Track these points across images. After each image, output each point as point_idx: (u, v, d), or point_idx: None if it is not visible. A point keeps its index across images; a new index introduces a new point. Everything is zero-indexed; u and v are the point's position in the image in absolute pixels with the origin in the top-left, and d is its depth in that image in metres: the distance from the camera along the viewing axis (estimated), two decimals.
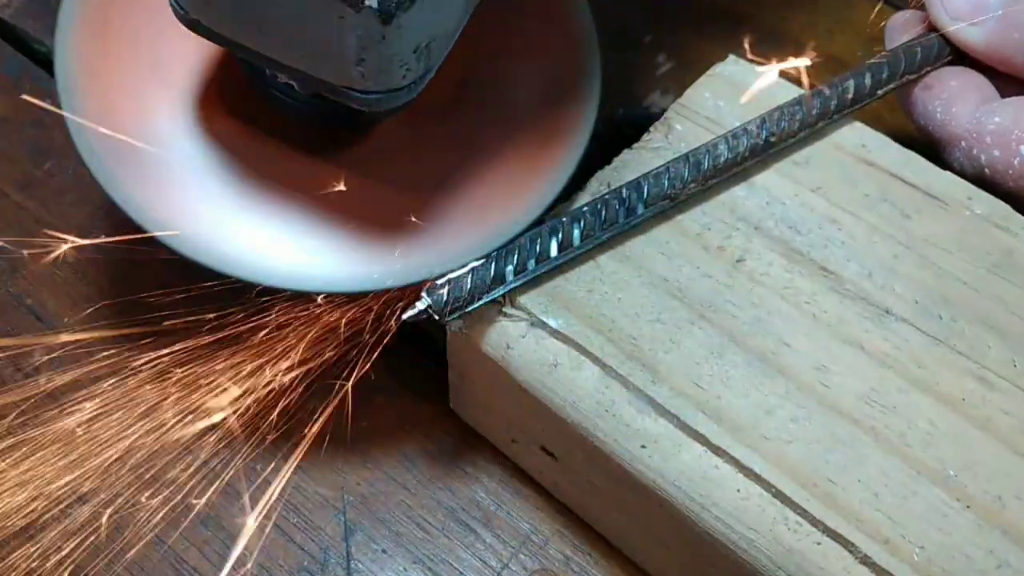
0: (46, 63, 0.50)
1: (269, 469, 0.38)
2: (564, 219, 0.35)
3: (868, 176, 0.38)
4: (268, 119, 0.38)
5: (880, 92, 0.39)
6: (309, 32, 0.31)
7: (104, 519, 0.36)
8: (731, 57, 0.41)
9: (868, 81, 0.39)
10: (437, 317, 0.34)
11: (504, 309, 0.35)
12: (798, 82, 0.40)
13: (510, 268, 0.34)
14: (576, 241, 0.35)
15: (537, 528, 0.38)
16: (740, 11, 0.53)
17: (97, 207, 0.45)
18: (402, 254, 0.36)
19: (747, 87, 0.40)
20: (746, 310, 0.34)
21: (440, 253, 0.35)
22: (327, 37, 0.31)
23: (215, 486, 0.37)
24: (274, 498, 0.37)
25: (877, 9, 0.53)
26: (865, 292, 0.35)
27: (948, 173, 0.38)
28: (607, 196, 0.35)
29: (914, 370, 0.33)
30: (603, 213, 0.35)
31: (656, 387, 0.33)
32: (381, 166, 0.38)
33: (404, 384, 0.40)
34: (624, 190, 0.35)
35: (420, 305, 0.34)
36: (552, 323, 0.34)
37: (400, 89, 0.33)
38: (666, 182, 0.36)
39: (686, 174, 0.36)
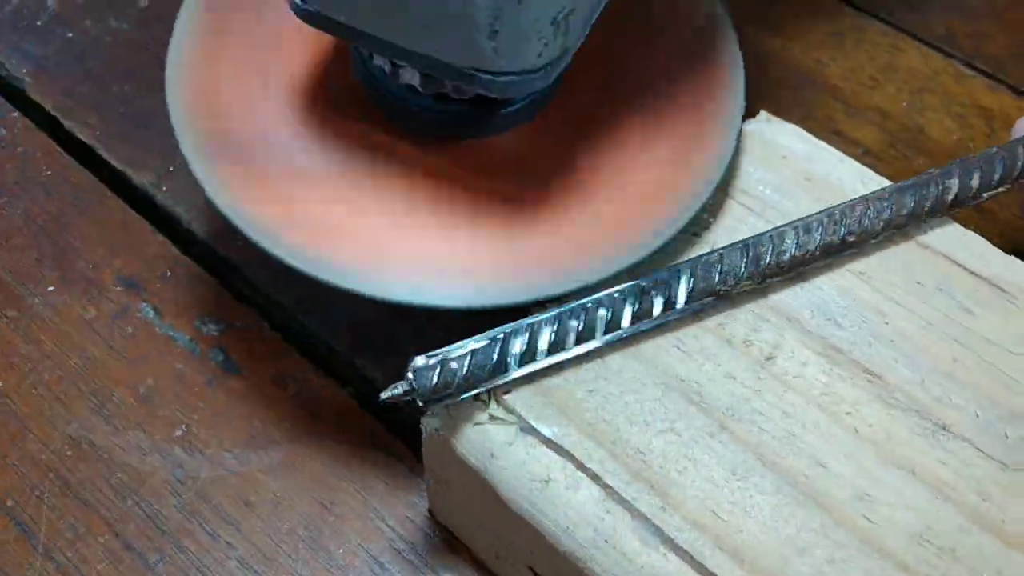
0: (5, 88, 0.45)
1: (208, 569, 0.33)
2: (587, 303, 0.30)
3: (923, 260, 0.32)
4: (385, 129, 0.36)
5: (986, 195, 0.33)
6: (436, 4, 0.28)
7: None
8: (763, 114, 0.36)
9: (976, 181, 0.33)
10: (421, 403, 0.28)
11: (490, 410, 0.29)
12: (846, 142, 0.35)
13: (515, 354, 0.29)
14: (598, 333, 0.29)
15: None
16: (767, 50, 0.48)
17: (45, 253, 0.40)
18: (525, 270, 0.32)
19: (782, 151, 0.35)
20: (776, 421, 0.29)
21: (581, 265, 0.32)
22: (456, 8, 0.28)
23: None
24: None
25: (924, 54, 0.48)
26: (918, 403, 0.29)
27: (1019, 261, 0.32)
28: (643, 283, 0.30)
29: (977, 503, 0.28)
30: (637, 302, 0.30)
31: (667, 515, 0.27)
32: (509, 175, 0.35)
33: (376, 470, 0.35)
34: (666, 277, 0.30)
35: (402, 386, 0.28)
36: (545, 430, 0.29)
37: (536, 71, 0.30)
38: (716, 275, 0.30)
39: (742, 269, 0.30)
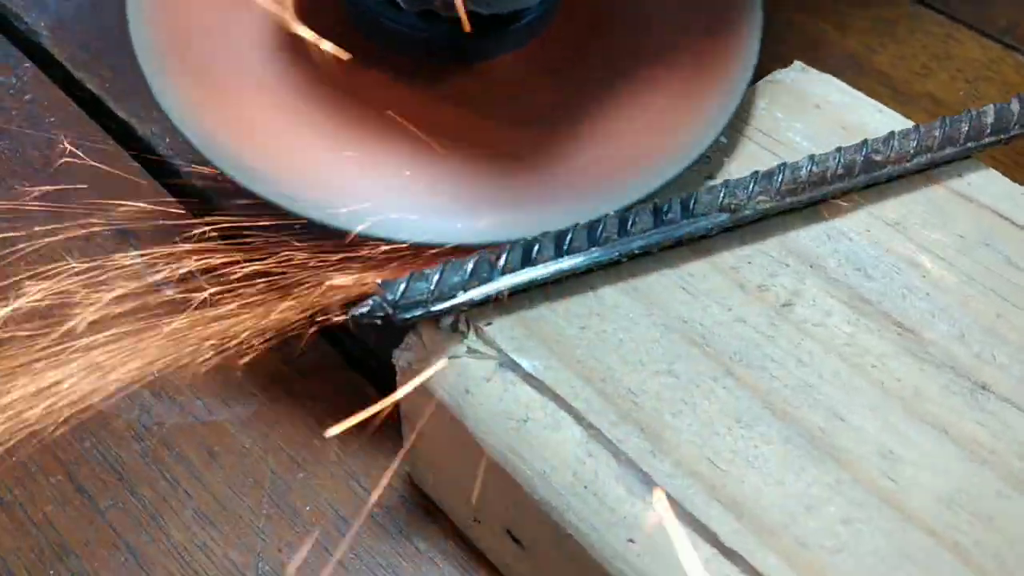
0: (23, 42, 0.44)
1: (169, 523, 0.30)
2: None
3: (966, 213, 0.29)
4: (368, 52, 0.32)
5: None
6: None
7: None
8: (797, 63, 0.33)
9: (1017, 111, 0.30)
10: (392, 315, 0.25)
11: (468, 341, 0.26)
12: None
13: (494, 264, 0.26)
14: (585, 243, 0.26)
15: None
16: (818, 35, 0.45)
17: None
18: (513, 204, 0.29)
19: (816, 100, 0.32)
20: (790, 370, 0.26)
21: (565, 204, 0.29)
22: None
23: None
24: (170, 556, 0.29)
25: (983, 44, 0.45)
26: (954, 359, 0.26)
27: None
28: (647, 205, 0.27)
29: (1020, 468, 0.24)
30: (630, 215, 0.27)
31: (657, 460, 0.24)
32: (494, 104, 0.32)
33: (355, 428, 0.32)
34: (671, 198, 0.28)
35: (372, 301, 0.25)
36: (526, 364, 0.26)
37: None
38: (722, 192, 0.27)
39: (752, 186, 0.27)
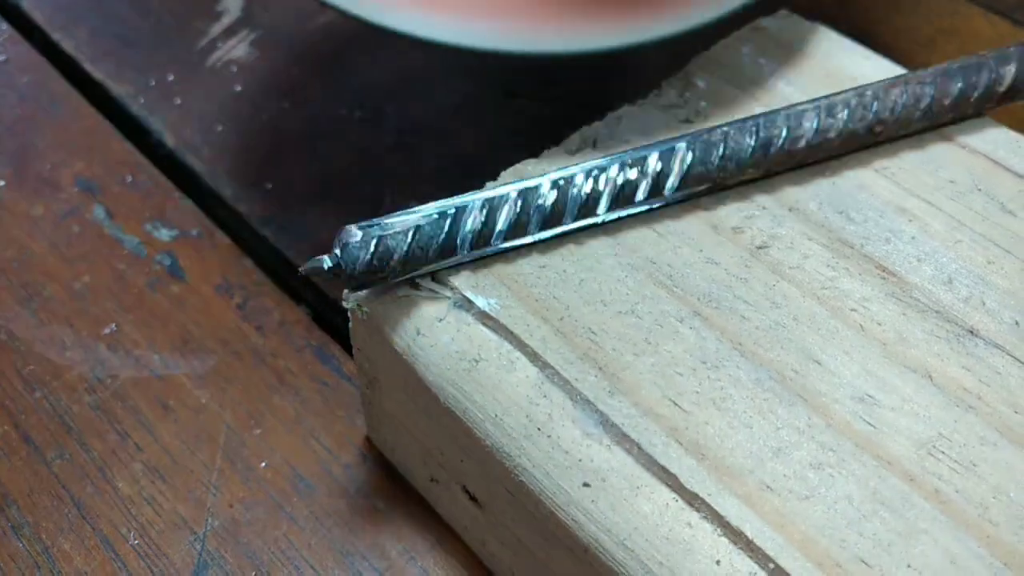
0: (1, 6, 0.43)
1: (116, 476, 0.28)
2: (558, 180, 0.25)
3: (956, 158, 0.27)
4: None
5: None
6: None
7: None
8: (782, 11, 0.32)
9: None
10: (341, 278, 0.24)
11: (419, 279, 0.25)
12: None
13: (466, 235, 0.24)
14: (567, 219, 0.25)
15: None
16: (821, 7, 0.43)
17: (3, 150, 0.37)
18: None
19: (803, 47, 0.30)
20: (763, 312, 0.24)
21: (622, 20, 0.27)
22: None
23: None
24: (115, 508, 0.28)
25: (992, 21, 0.43)
26: (941, 304, 0.24)
27: None
28: (627, 158, 0.26)
29: (1007, 415, 0.22)
30: (617, 185, 0.25)
31: (615, 400, 0.22)
32: None
33: (317, 386, 0.31)
34: (654, 158, 0.25)
35: (328, 260, 0.24)
36: (481, 303, 0.24)
37: None
38: (716, 159, 0.26)
39: (748, 153, 0.26)
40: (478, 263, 0.25)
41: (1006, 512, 0.21)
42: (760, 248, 0.25)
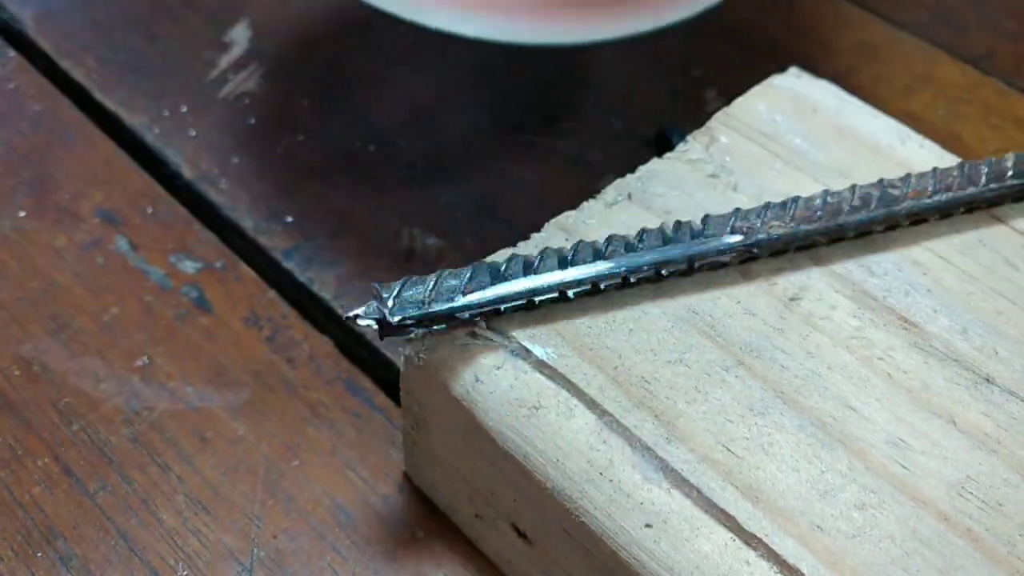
0: (6, 31, 0.43)
1: (160, 508, 0.29)
2: (581, 248, 0.27)
3: (965, 215, 0.30)
4: None
5: None
6: None
7: None
8: (793, 69, 0.34)
9: None
10: (386, 312, 0.25)
11: (476, 329, 0.26)
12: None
13: (496, 275, 0.26)
14: (594, 259, 0.26)
15: None
16: (805, 55, 0.46)
17: (21, 180, 0.37)
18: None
19: (814, 105, 0.32)
20: (800, 361, 0.26)
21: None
22: None
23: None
24: (162, 541, 0.28)
25: (963, 69, 0.46)
26: (959, 353, 0.26)
27: None
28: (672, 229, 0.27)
29: None
30: (640, 235, 0.27)
31: (672, 447, 0.24)
32: None
33: (351, 419, 0.32)
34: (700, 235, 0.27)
35: (373, 306, 0.25)
36: (539, 352, 0.26)
37: None
38: (733, 216, 0.27)
39: (765, 213, 0.28)
40: (529, 314, 0.26)
41: None
42: (792, 300, 0.27)
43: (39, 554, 0.28)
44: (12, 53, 0.42)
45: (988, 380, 0.26)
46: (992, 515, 0.23)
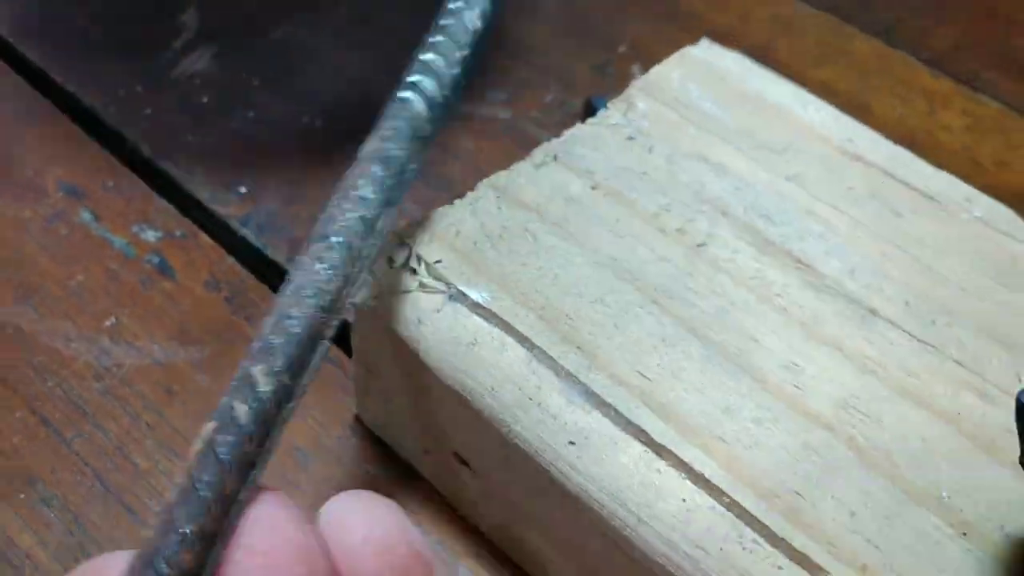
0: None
1: (133, 452, 0.32)
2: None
3: (854, 171, 0.33)
4: None
5: None
6: None
7: None
8: (704, 40, 0.37)
9: None
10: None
11: (420, 277, 0.29)
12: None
13: None
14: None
15: (445, 548, 0.31)
16: (725, 28, 0.49)
17: None
18: None
19: (723, 73, 0.36)
20: (707, 299, 0.29)
21: None
22: None
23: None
24: (136, 481, 0.31)
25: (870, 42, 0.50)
26: (847, 290, 0.30)
27: (945, 173, 0.33)
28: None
29: (903, 378, 0.28)
30: None
31: (593, 374, 0.27)
32: None
33: None
34: None
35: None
36: (475, 296, 0.29)
37: None
38: None
39: None
40: (453, 248, 0.29)
41: (904, 454, 0.26)
42: (700, 246, 0.30)
43: (21, 496, 0.30)
44: None
45: (872, 312, 0.29)
46: (871, 426, 0.27)
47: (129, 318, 0.35)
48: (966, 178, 0.33)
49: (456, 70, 0.29)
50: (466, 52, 0.29)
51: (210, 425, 0.20)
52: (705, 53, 0.36)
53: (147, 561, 0.18)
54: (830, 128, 0.34)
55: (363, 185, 0.25)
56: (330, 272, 0.23)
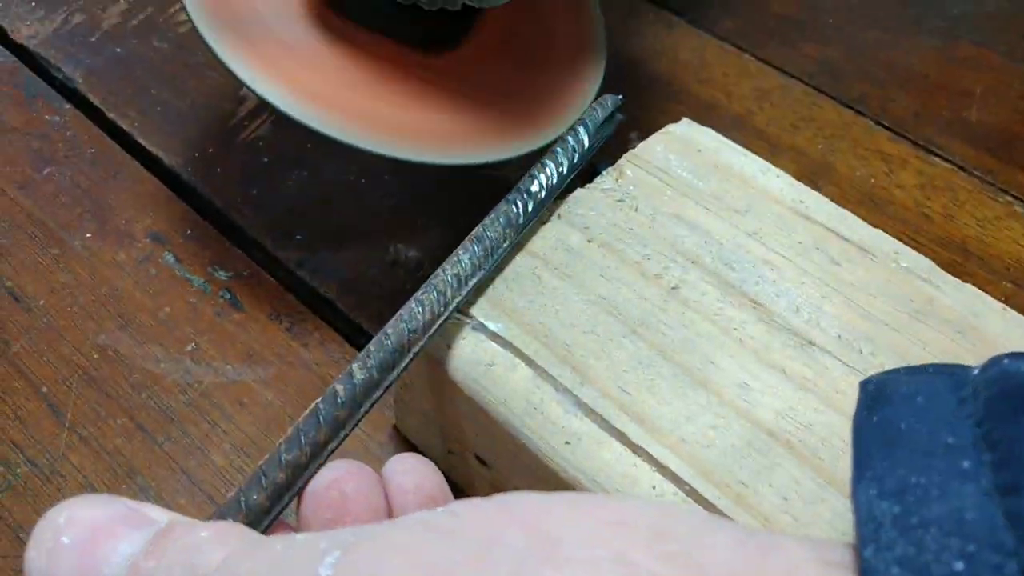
0: (62, 88, 0.53)
1: (212, 453, 0.39)
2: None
3: (804, 227, 0.40)
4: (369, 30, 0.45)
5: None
6: None
7: None
8: (684, 119, 0.44)
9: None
10: None
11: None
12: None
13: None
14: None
15: None
16: (711, 101, 0.57)
17: (86, 209, 0.47)
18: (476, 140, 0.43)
19: (699, 147, 0.43)
20: (676, 330, 0.36)
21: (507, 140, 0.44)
22: None
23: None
24: (216, 476, 0.38)
25: (839, 111, 0.57)
26: (791, 325, 0.37)
27: (878, 231, 0.40)
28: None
29: (832, 395, 0.35)
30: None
31: (584, 389, 0.34)
32: (464, 72, 0.46)
33: None
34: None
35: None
36: (492, 326, 0.36)
37: None
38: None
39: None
40: (478, 291, 0.37)
41: (829, 453, 0.33)
42: (674, 288, 0.38)
43: (123, 487, 0.38)
44: (68, 106, 0.52)
45: (811, 343, 0.36)
46: (805, 432, 0.34)
47: (207, 343, 0.42)
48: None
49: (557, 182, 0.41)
50: (572, 172, 0.42)
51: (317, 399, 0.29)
52: (685, 130, 0.44)
53: (251, 477, 0.25)
54: (785, 192, 0.41)
55: (462, 254, 0.35)
56: (421, 308, 0.33)
